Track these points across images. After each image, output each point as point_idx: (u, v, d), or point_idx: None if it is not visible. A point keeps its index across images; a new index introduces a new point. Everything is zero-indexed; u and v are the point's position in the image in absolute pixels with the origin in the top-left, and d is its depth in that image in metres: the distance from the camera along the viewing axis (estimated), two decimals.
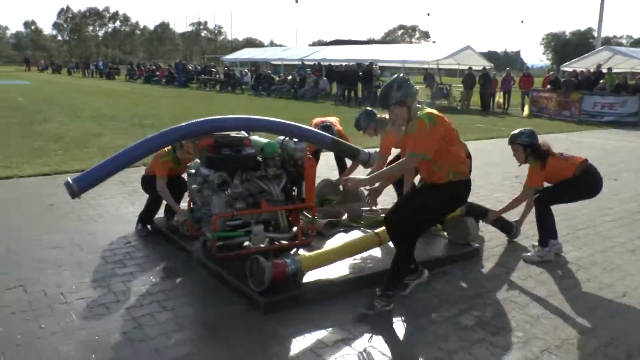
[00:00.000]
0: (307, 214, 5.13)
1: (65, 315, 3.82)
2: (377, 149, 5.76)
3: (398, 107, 3.89)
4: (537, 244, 5.27)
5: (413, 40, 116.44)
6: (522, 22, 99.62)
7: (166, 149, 5.22)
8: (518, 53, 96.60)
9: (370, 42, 79.69)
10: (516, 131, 5.26)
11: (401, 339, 3.63)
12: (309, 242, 4.98)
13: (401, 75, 4.01)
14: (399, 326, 3.79)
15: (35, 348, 3.38)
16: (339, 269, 4.42)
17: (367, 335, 3.63)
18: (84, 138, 11.78)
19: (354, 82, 25.93)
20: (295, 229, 5.02)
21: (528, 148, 5.14)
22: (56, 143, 11.05)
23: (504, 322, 3.88)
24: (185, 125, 4.59)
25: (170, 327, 3.67)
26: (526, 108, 22.43)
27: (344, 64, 28.84)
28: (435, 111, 3.91)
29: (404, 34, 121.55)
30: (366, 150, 5.55)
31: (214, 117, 4.71)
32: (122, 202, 6.80)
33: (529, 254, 5.19)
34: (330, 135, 5.47)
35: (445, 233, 5.42)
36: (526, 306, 4.16)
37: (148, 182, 5.54)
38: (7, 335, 3.53)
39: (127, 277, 4.51)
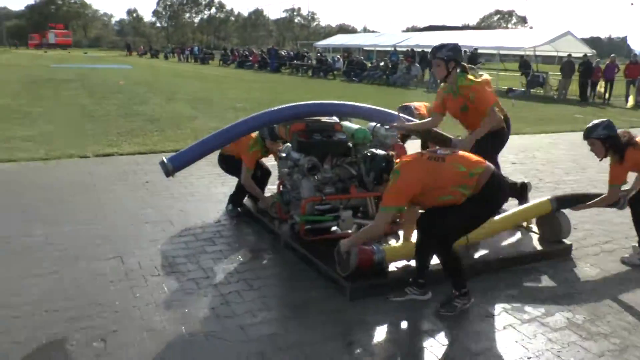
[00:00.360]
0: None
1: (158, 287, 3.97)
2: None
3: None
4: (637, 244, 4.91)
5: (509, 25, 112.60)
6: (631, 4, 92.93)
7: (255, 137, 5.31)
8: (624, 39, 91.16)
9: (465, 27, 77.64)
10: (591, 124, 4.64)
11: (485, 335, 3.51)
12: (396, 231, 4.92)
13: None
14: (484, 322, 3.67)
15: (131, 316, 3.54)
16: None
17: (450, 330, 3.54)
18: (179, 120, 12.20)
19: None
20: None
21: (606, 142, 4.54)
22: (153, 124, 11.52)
23: (598, 326, 3.64)
24: (275, 110, 4.64)
25: (256, 306, 3.74)
26: (631, 98, 21.05)
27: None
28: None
29: (500, 19, 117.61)
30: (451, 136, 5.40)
31: (301, 103, 4.75)
32: (212, 182, 6.99)
33: (627, 255, 4.86)
34: (403, 115, 5.35)
35: (536, 229, 5.18)
36: (623, 311, 3.88)
37: (229, 163, 5.66)
38: (106, 302, 3.72)
39: (216, 254, 4.64)
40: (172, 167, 4.43)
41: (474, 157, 3.77)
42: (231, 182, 6.09)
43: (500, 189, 3.73)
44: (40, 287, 3.93)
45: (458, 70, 4.84)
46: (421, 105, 6.68)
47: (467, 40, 30.02)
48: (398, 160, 3.90)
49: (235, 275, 4.22)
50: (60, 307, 3.64)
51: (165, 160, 4.44)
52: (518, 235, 5.06)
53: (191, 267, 4.37)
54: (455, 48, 4.89)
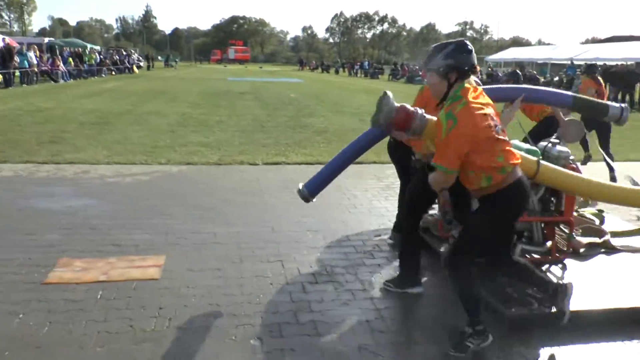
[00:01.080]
0: (564, 228, 4.73)
1: (315, 294, 4.07)
2: None
3: None
4: None
5: None
6: None
7: None
8: None
9: None
10: None
11: None
12: (562, 260, 4.59)
13: None
14: None
15: (288, 321, 3.65)
16: (597, 299, 3.97)
17: None
18: (345, 132, 12.46)
19: (632, 85, 23.22)
20: (549, 243, 4.68)
21: None
22: (320, 136, 11.90)
23: None
24: None
25: (412, 324, 3.69)
26: None
27: (619, 63, 26.02)
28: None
29: None
30: (617, 104, 4.93)
31: None
32: (375, 195, 7.02)
33: None
34: (571, 93, 4.97)
35: None
36: None
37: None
38: (265, 302, 3.90)
39: (374, 268, 4.64)
40: (307, 193, 4.57)
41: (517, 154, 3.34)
42: (394, 196, 6.07)
43: (522, 194, 3.29)
44: (206, 281, 4.21)
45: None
46: None
47: None
48: None
49: (391, 291, 4.19)
50: (222, 303, 3.87)
51: (301, 187, 4.59)
52: None
53: (349, 277, 4.41)
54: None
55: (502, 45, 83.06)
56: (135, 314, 3.68)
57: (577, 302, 3.84)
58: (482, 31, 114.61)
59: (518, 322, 3.65)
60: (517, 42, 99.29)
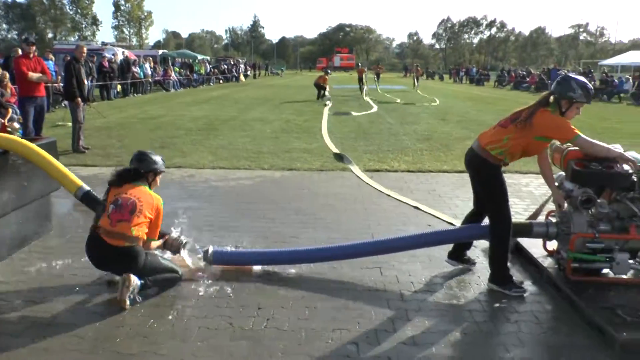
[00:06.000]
0: None
1: (412, 302, 4.03)
2: None
3: None
4: None
5: None
6: None
7: None
8: None
9: None
10: None
11: None
12: None
13: None
14: None
15: (385, 328, 3.64)
16: None
17: None
18: (449, 140, 12.26)
19: None
20: None
21: None
22: (423, 143, 11.76)
23: None
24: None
25: (510, 340, 3.56)
26: None
27: None
28: None
29: None
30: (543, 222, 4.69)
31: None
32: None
33: None
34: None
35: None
36: None
37: None
38: (358, 308, 3.91)
39: (475, 279, 4.54)
40: (211, 259, 4.49)
41: None
42: None
43: None
44: (303, 285, 4.30)
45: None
46: None
47: None
48: None
49: (491, 305, 4.07)
50: (319, 306, 3.94)
51: (210, 250, 4.52)
52: None
53: (447, 288, 4.34)
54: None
55: (620, 49, 78.39)
56: (235, 312, 3.81)
57: None
58: (598, 34, 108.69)
59: (630, 347, 3.41)
60: (637, 45, 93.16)
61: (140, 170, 4.34)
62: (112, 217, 4.05)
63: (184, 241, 4.56)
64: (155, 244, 4.32)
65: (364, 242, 4.86)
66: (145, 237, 4.11)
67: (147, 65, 28.48)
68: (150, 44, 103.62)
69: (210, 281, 4.33)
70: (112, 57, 26.48)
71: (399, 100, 25.16)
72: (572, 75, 4.27)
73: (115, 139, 11.68)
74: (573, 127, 4.11)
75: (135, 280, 3.88)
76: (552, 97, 4.23)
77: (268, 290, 4.19)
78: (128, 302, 3.83)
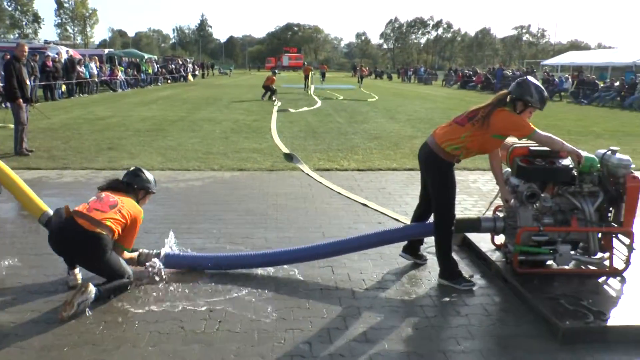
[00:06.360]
0: (623, 239, 4.56)
1: (364, 301, 4.06)
2: None
3: None
4: None
5: None
6: None
7: None
8: None
9: None
10: None
11: None
12: (620, 273, 4.44)
13: None
14: None
15: (338, 327, 3.66)
16: None
17: None
18: (398, 139, 12.41)
19: None
20: (606, 254, 4.53)
21: None
22: (372, 142, 11.86)
23: None
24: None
25: (461, 333, 3.63)
26: None
27: None
28: None
29: None
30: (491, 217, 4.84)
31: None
32: None
33: None
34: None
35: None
36: None
37: None
38: (311, 307, 3.91)
39: (426, 275, 4.60)
40: (163, 262, 4.42)
41: None
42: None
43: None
44: (258, 286, 4.26)
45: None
46: None
47: None
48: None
49: (440, 299, 4.15)
50: (273, 306, 3.91)
51: (162, 253, 4.47)
52: None
53: (399, 284, 4.39)
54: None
55: (559, 49, 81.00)
56: (186, 315, 3.76)
57: (637, 317, 3.72)
58: (539, 35, 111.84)
59: (572, 335, 3.54)
60: (575, 46, 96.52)
61: (133, 185, 4.45)
62: (91, 205, 4.11)
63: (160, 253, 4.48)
64: (127, 254, 4.27)
65: (315, 245, 4.79)
66: (117, 234, 4.07)
67: (92, 65, 27.77)
68: (95, 43, 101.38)
69: (161, 285, 4.26)
70: (56, 56, 25.62)
71: (341, 97, 26.32)
72: (531, 80, 4.37)
73: (60, 140, 11.34)
74: (530, 123, 4.23)
75: (92, 290, 3.77)
76: (509, 97, 4.33)
77: (220, 293, 4.14)
78: (74, 309, 3.68)
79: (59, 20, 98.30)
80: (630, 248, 4.42)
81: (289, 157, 9.64)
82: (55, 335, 3.48)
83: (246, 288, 4.23)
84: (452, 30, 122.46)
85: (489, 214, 5.08)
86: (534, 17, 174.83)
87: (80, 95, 25.03)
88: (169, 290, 4.17)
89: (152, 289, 4.18)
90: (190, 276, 4.41)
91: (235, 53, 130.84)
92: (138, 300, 4.00)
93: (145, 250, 4.50)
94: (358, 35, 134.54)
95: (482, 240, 5.09)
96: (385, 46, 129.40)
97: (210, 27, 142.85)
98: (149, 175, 4.60)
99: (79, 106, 19.66)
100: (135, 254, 4.42)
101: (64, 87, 24.01)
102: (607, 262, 4.54)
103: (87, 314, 3.75)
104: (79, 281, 3.99)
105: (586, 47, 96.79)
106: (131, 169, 4.65)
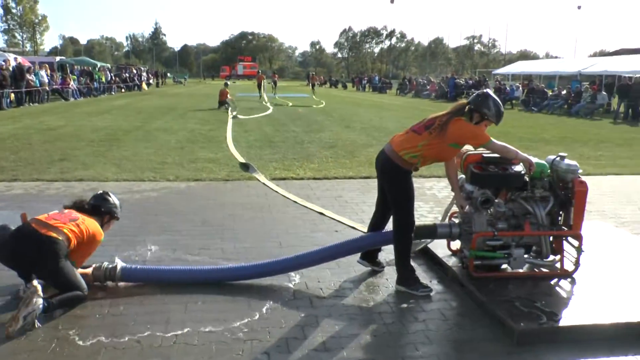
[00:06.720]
0: (572, 242, 4.70)
1: (322, 309, 4.06)
2: None
3: None
4: None
5: None
6: None
7: None
8: None
9: None
10: None
11: None
12: (571, 274, 4.56)
13: None
14: None
15: (296, 336, 3.65)
16: (609, 312, 3.93)
17: None
18: (353, 147, 12.49)
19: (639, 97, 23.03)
20: (557, 257, 4.66)
21: None
22: (328, 151, 11.91)
23: None
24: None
25: (419, 339, 3.66)
26: None
27: (628, 75, 25.91)
28: None
29: None
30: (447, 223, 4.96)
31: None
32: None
33: None
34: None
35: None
36: None
37: None
38: (272, 318, 3.89)
39: (382, 282, 4.63)
40: (119, 276, 4.33)
41: None
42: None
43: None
44: (209, 297, 4.20)
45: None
46: None
47: None
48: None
49: (398, 305, 4.18)
50: (229, 318, 3.86)
51: (119, 267, 4.36)
52: None
53: (357, 292, 4.41)
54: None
55: (510, 59, 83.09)
56: (143, 329, 3.68)
57: (587, 317, 3.82)
58: (490, 45, 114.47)
59: (527, 336, 3.62)
60: (524, 56, 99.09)
61: (100, 208, 4.40)
62: (50, 215, 4.07)
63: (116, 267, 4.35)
64: (80, 270, 4.17)
65: (272, 261, 4.67)
66: (73, 245, 3.99)
67: (43, 73, 27.04)
68: (46, 50, 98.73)
69: (117, 298, 4.16)
70: (4, 63, 24.83)
71: (290, 104, 27.55)
72: (491, 94, 4.46)
73: (8, 151, 10.98)
74: (485, 132, 4.31)
75: (38, 301, 3.65)
76: (467, 107, 4.41)
77: (176, 305, 4.07)
78: (20, 323, 3.54)
79: (6, 27, 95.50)
80: (579, 250, 4.55)
81: (245, 167, 9.59)
82: (1, 356, 3.35)
83: (202, 299, 4.18)
84: (405, 39, 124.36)
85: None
86: (485, 27, 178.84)
87: (30, 104, 24.33)
88: (124, 304, 4.08)
89: (108, 302, 4.09)
90: (147, 289, 4.33)
91: (189, 62, 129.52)
92: (92, 314, 3.90)
93: (99, 264, 4.38)
94: (312, 44, 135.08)
95: (439, 247, 5.16)
96: (339, 55, 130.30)
97: (164, 35, 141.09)
98: (116, 199, 4.55)
99: (29, 115, 19.12)
100: (89, 270, 4.30)
101: (12, 96, 23.31)
102: (558, 265, 4.67)
103: (37, 325, 3.63)
104: (39, 292, 3.85)
105: (535, 57, 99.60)
106: (99, 192, 4.60)
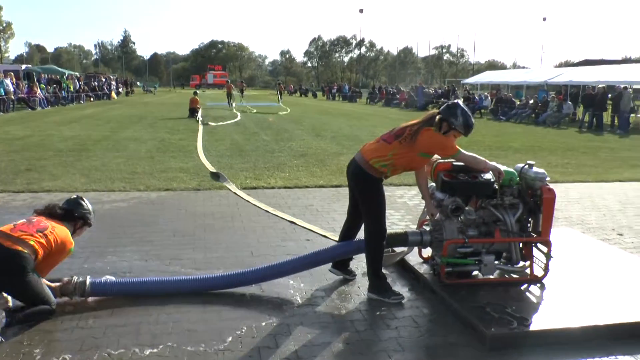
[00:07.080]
0: (541, 248, 4.78)
1: (294, 318, 4.05)
2: None
3: None
4: None
5: None
6: None
7: None
8: None
9: (626, 61, 72.13)
10: None
11: None
12: (540, 279, 4.64)
13: None
14: None
15: (267, 341, 3.63)
16: (578, 315, 4.00)
17: None
18: (324, 156, 12.52)
19: (603, 107, 23.62)
20: (527, 263, 4.74)
21: None
22: (298, 159, 11.92)
23: None
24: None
25: (391, 346, 3.67)
26: None
27: (592, 85, 26.54)
28: None
29: None
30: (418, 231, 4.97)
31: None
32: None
33: None
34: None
35: None
36: None
37: None
38: (245, 326, 3.85)
39: (353, 289, 4.64)
40: (89, 291, 4.23)
41: None
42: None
43: None
44: (186, 307, 4.17)
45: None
46: None
47: (627, 75, 27.95)
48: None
49: (371, 314, 4.19)
50: (200, 328, 3.84)
51: (88, 282, 4.24)
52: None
53: (329, 301, 4.41)
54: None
55: (478, 69, 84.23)
56: (112, 342, 3.62)
57: (556, 321, 3.89)
58: (459, 55, 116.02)
59: (499, 341, 3.66)
60: (492, 66, 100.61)
61: (73, 212, 4.28)
62: (17, 226, 3.93)
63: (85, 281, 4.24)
64: (48, 284, 4.08)
65: (244, 271, 4.63)
66: (40, 257, 3.87)
67: (8, 81, 26.50)
68: (11, 58, 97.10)
69: (85, 312, 4.09)
70: None
71: (254, 111, 29.50)
72: (462, 105, 4.50)
73: None
74: (454, 143, 4.37)
75: (1, 315, 3.57)
76: (437, 117, 4.46)
77: (148, 316, 4.03)
78: None
79: None
80: (548, 256, 4.63)
81: (215, 176, 9.54)
82: None
83: (173, 309, 4.13)
84: (375, 49, 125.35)
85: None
86: (453, 38, 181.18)
87: None
88: (93, 317, 4.02)
89: (77, 316, 4.02)
90: (117, 301, 4.27)
91: (159, 70, 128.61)
92: (60, 328, 3.83)
93: (67, 279, 4.27)
94: (282, 53, 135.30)
95: (410, 254, 5.19)
96: (309, 64, 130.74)
97: (134, 43, 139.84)
98: (89, 205, 4.45)
99: None
100: (57, 284, 4.19)
101: None
102: (528, 271, 4.73)
103: (1, 340, 3.55)
104: (9, 303, 3.76)
105: (503, 67, 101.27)
106: (72, 196, 4.49)
